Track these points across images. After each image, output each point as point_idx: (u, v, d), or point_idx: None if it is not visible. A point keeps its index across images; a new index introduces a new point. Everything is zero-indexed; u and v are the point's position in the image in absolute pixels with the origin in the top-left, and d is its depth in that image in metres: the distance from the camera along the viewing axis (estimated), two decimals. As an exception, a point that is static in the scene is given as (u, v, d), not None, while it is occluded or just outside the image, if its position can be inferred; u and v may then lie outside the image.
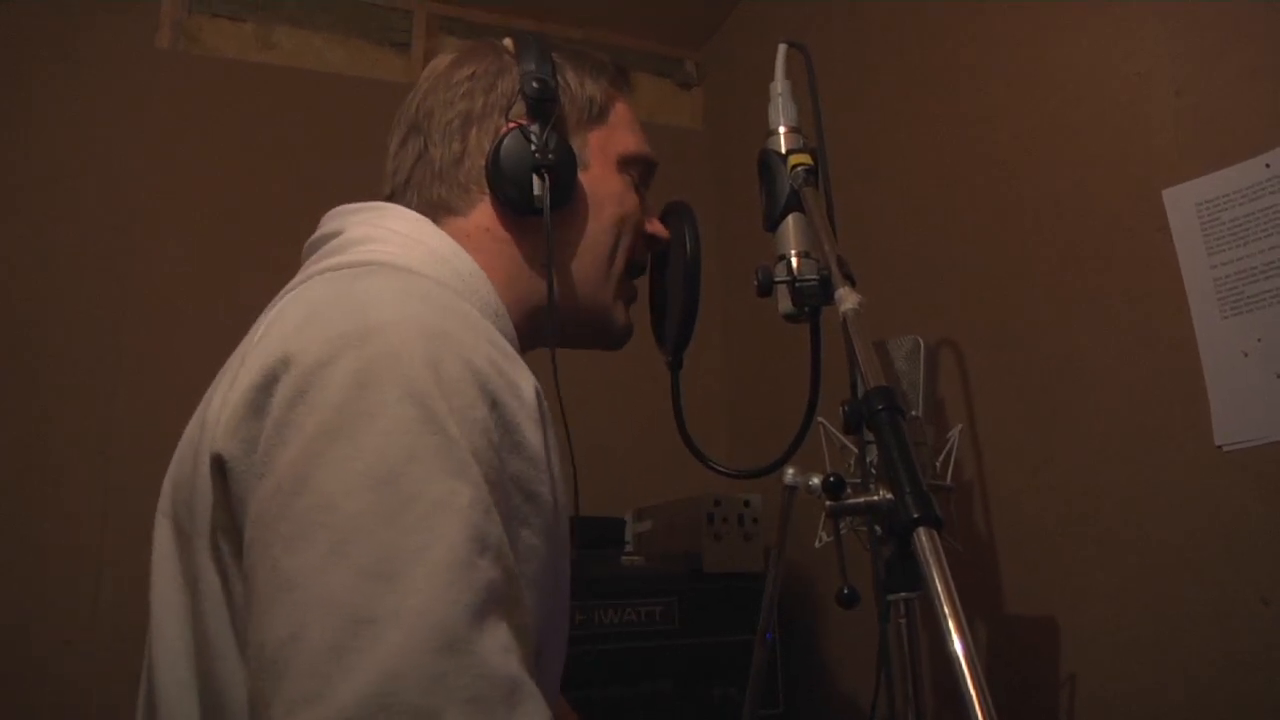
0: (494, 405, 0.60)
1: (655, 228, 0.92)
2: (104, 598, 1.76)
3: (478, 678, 0.50)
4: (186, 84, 2.10)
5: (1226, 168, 1.15)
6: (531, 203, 0.79)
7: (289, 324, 0.63)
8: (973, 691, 0.46)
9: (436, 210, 0.82)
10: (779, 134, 0.95)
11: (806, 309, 0.86)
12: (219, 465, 0.60)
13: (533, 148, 0.79)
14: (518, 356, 0.69)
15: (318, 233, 0.81)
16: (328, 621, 0.49)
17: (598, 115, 0.87)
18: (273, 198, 2.07)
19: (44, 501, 1.79)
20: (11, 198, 1.91)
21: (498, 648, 0.52)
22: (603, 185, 0.86)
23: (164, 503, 0.68)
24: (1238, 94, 1.15)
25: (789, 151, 0.93)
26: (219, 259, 2.01)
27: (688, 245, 0.91)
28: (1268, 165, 1.11)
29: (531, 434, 0.63)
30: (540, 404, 0.67)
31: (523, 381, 0.65)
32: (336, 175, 1.86)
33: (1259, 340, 1.11)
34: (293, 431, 0.56)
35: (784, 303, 0.88)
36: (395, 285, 0.66)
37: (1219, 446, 1.13)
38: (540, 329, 0.83)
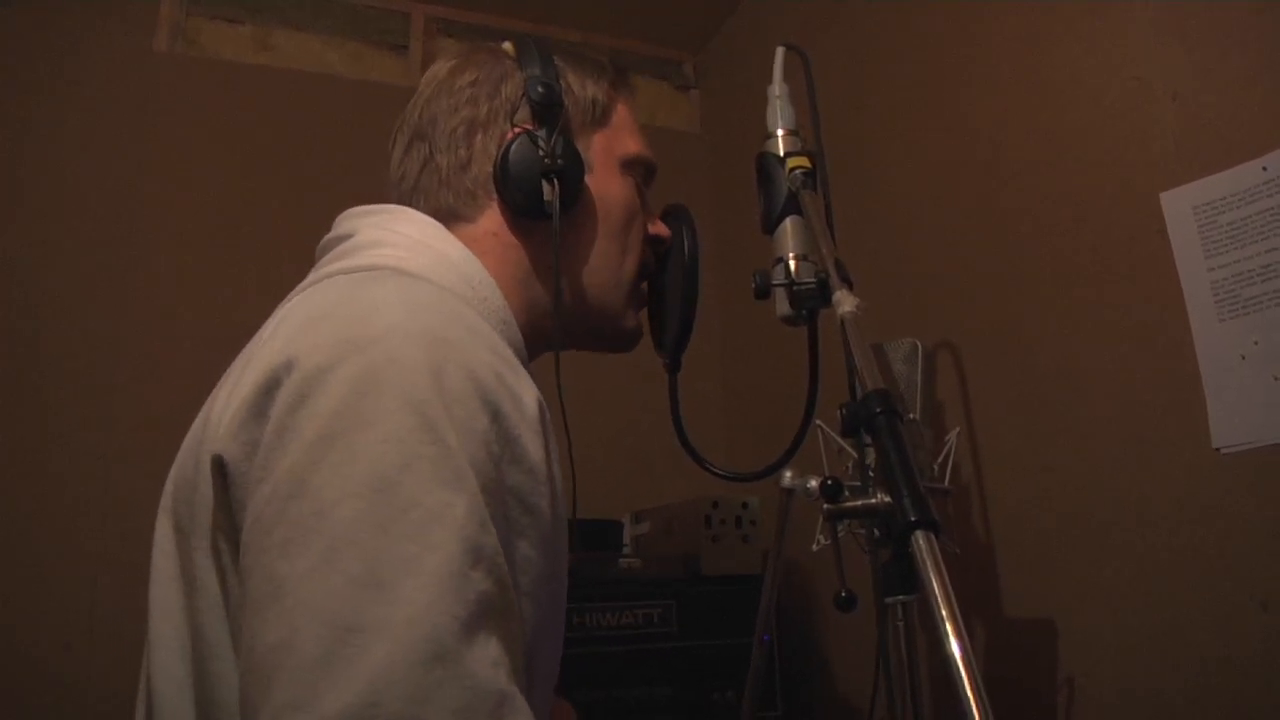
0: (495, 417, 0.60)
1: (658, 228, 0.92)
2: (103, 601, 1.76)
3: (466, 690, 0.50)
4: (184, 86, 2.10)
5: (1224, 171, 1.15)
6: (541, 208, 0.79)
7: (294, 327, 0.63)
8: (970, 694, 0.46)
9: (445, 217, 0.82)
10: (777, 137, 0.95)
11: (804, 312, 0.87)
12: (220, 467, 0.60)
13: (541, 153, 0.79)
14: (521, 367, 0.69)
15: (331, 234, 0.81)
16: (317, 629, 0.50)
17: (600, 118, 0.87)
18: (271, 199, 2.07)
19: (44, 504, 1.78)
20: (10, 200, 1.90)
21: (487, 660, 0.51)
22: (608, 188, 0.86)
23: (165, 500, 0.68)
24: (1235, 98, 1.15)
25: (787, 154, 0.93)
26: (217, 260, 2.01)
27: (686, 248, 0.91)
28: (1265, 168, 1.11)
29: (533, 446, 0.63)
30: (542, 415, 0.66)
31: (525, 393, 0.65)
32: (335, 177, 1.87)
33: (1256, 343, 1.11)
34: (292, 436, 0.56)
35: (782, 306, 0.88)
36: (402, 291, 0.65)
37: (1216, 449, 1.14)
38: (548, 333, 0.83)
